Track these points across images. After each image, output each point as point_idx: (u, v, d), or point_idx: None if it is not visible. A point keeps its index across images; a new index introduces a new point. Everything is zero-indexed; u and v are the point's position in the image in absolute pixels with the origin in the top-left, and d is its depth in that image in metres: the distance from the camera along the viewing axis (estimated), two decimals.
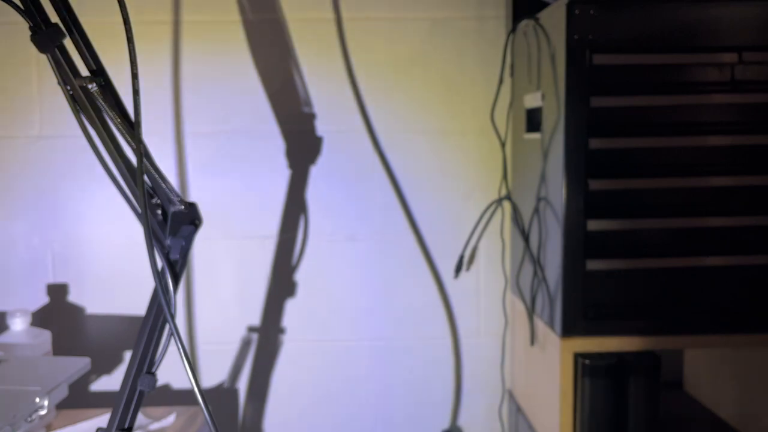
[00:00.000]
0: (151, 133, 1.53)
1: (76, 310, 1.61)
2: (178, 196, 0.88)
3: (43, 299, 1.60)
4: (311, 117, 1.59)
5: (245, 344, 1.64)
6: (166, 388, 1.62)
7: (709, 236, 1.25)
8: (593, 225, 1.23)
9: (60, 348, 1.49)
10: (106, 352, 1.61)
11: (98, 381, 1.62)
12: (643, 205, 1.24)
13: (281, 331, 1.64)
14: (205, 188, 1.59)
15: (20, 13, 0.76)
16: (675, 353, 1.65)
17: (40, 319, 1.56)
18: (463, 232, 1.62)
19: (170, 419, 1.37)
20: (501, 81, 1.56)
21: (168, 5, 1.55)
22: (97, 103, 0.81)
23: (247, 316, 1.63)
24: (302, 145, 1.60)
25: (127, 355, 1.61)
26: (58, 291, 1.60)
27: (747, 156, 1.24)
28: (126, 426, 0.86)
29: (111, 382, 1.61)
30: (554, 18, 1.26)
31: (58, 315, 1.60)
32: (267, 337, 1.64)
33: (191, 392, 1.56)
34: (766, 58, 1.22)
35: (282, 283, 1.63)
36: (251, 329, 1.63)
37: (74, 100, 0.81)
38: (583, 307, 1.24)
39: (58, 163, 1.57)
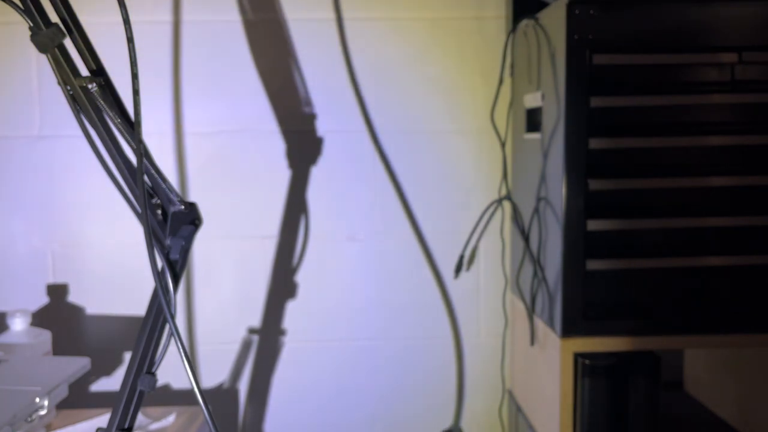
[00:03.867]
0: (151, 133, 1.53)
1: (76, 310, 1.61)
2: (178, 196, 0.88)
3: (43, 299, 1.60)
4: (312, 117, 1.59)
5: (246, 344, 1.64)
6: (166, 388, 1.62)
7: (709, 236, 1.25)
8: (593, 225, 1.23)
9: (60, 348, 1.49)
10: (106, 352, 1.61)
11: (98, 381, 1.62)
12: (643, 205, 1.24)
13: (282, 331, 1.64)
14: (205, 188, 1.59)
15: (20, 13, 0.76)
16: (675, 353, 1.65)
17: (40, 319, 1.56)
18: (463, 232, 1.62)
19: (170, 419, 1.37)
20: (501, 81, 1.56)
21: (168, 5, 1.55)
22: (97, 103, 0.81)
23: (247, 316, 1.63)
24: (303, 145, 1.60)
25: (127, 355, 1.61)
26: (58, 291, 1.60)
27: (747, 156, 1.24)
28: (126, 426, 0.86)
29: (111, 382, 1.61)
30: (554, 18, 1.26)
31: (58, 315, 1.60)
32: (267, 337, 1.64)
33: (191, 392, 1.56)
34: (766, 58, 1.22)
35: (282, 283, 1.63)
36: (252, 330, 1.63)
37: (74, 100, 0.81)
38: (583, 307, 1.24)
39: (58, 163, 1.57)
